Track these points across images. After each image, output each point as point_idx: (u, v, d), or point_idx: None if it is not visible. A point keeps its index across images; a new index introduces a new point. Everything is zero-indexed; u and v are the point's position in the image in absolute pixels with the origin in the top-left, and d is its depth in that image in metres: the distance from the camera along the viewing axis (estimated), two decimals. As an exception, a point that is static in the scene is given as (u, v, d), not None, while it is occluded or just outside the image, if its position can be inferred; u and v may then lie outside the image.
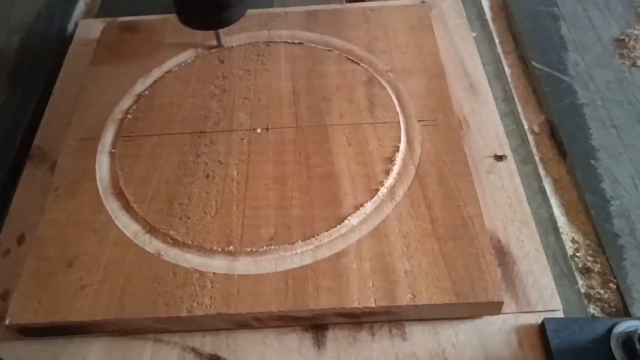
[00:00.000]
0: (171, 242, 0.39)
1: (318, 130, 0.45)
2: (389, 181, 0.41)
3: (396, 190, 0.41)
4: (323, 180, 0.42)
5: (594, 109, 0.50)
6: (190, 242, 0.38)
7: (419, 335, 0.36)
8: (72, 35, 0.59)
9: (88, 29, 0.58)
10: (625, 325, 0.35)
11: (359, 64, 0.50)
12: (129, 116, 0.47)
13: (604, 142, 0.48)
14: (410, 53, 0.50)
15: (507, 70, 0.55)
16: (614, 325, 0.35)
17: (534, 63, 0.54)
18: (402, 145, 0.43)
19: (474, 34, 0.57)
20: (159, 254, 0.38)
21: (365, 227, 0.39)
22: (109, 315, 0.35)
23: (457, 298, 0.35)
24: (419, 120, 0.45)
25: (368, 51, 0.51)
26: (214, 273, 0.37)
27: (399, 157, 0.43)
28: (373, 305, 0.35)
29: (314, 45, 0.51)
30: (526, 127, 0.50)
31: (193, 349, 0.36)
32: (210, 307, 0.35)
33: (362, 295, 0.36)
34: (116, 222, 0.40)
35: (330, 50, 0.51)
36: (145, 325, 0.36)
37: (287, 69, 0.50)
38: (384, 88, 0.48)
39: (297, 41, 0.52)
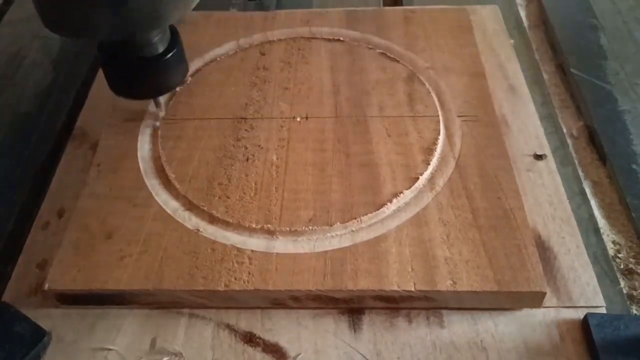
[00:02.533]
0: (210, 219, 0.39)
1: (358, 121, 0.45)
2: (429, 171, 0.41)
3: (436, 181, 0.41)
4: (362, 168, 0.42)
5: (635, 116, 0.50)
6: (229, 220, 0.38)
7: (457, 325, 0.36)
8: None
9: (133, 21, 0.59)
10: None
11: (398, 61, 0.50)
12: (170, 101, 0.47)
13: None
14: (451, 52, 0.51)
15: (545, 77, 0.55)
16: (662, 323, 0.34)
17: (572, 70, 0.54)
18: (442, 138, 0.43)
19: (512, 41, 0.57)
20: (198, 230, 0.38)
21: (405, 215, 0.39)
22: (147, 286, 0.35)
23: (499, 286, 0.35)
24: (459, 116, 0.45)
25: (408, 49, 0.51)
26: (252, 250, 0.37)
27: (439, 149, 0.43)
28: (412, 289, 0.35)
29: (354, 42, 0.52)
30: (565, 131, 0.50)
31: (228, 326, 0.36)
32: (248, 282, 0.35)
33: (401, 279, 0.35)
34: (156, 198, 0.40)
35: (370, 48, 0.51)
36: (182, 299, 0.36)
37: (327, 63, 0.50)
38: (424, 84, 0.48)
39: (338, 37, 0.53)
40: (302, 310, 0.36)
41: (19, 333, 0.34)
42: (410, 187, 0.40)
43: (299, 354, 0.34)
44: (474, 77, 0.48)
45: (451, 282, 0.35)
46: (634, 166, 0.46)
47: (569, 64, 0.55)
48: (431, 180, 0.41)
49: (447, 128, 0.44)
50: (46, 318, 0.36)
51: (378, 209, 0.39)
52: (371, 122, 0.45)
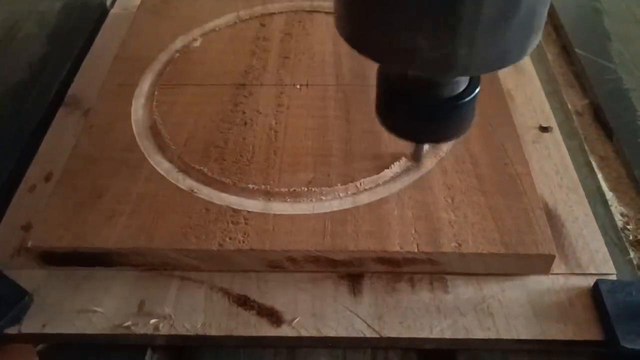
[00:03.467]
0: (205, 180, 0.37)
1: (360, 89, 0.44)
2: (433, 138, 0.40)
3: (441, 147, 0.39)
4: (364, 134, 0.40)
5: (640, 93, 0.49)
6: (225, 181, 0.37)
7: (462, 289, 0.34)
8: (113, 4, 0.60)
9: (129, -4, 0.58)
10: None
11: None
12: (167, 68, 0.46)
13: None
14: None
15: (549, 57, 0.54)
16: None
17: (577, 50, 0.54)
18: (446, 106, 0.42)
19: (515, 22, 0.56)
20: (192, 191, 0.37)
21: (407, 178, 0.37)
22: (136, 245, 0.34)
23: (506, 248, 0.33)
24: (463, 85, 0.44)
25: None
26: (248, 211, 0.35)
27: (443, 117, 0.41)
28: (415, 250, 0.33)
29: (356, 15, 0.51)
30: (570, 108, 0.49)
31: (221, 289, 0.34)
32: (243, 242, 0.34)
33: (404, 240, 0.34)
34: (149, 160, 0.39)
35: (372, 20, 0.50)
36: (173, 260, 0.34)
37: (329, 35, 0.49)
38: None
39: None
40: (300, 273, 0.35)
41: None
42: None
43: (296, 318, 0.33)
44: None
45: (456, 244, 0.33)
46: (639, 140, 0.45)
47: (573, 44, 0.54)
48: (434, 146, 0.39)
49: (451, 97, 0.43)
50: (29, 279, 0.34)
51: (380, 172, 0.37)
52: (373, 90, 0.44)
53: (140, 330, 0.32)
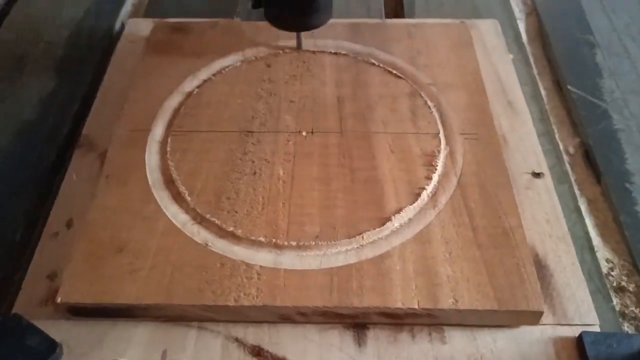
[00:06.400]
0: (219, 233, 0.40)
1: (362, 136, 0.46)
2: (431, 188, 0.42)
3: (438, 199, 0.42)
4: (366, 184, 0.43)
5: (629, 134, 0.51)
6: (238, 234, 0.39)
7: (458, 340, 0.37)
8: (119, 34, 0.61)
9: (137, 27, 0.60)
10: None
11: (401, 77, 0.51)
12: (179, 112, 0.48)
13: (632, 167, 0.49)
14: (452, 68, 0.52)
15: (543, 92, 0.57)
16: (652, 342, 0.35)
17: (569, 87, 0.56)
18: (444, 155, 0.45)
19: (512, 56, 0.58)
20: (207, 244, 0.39)
21: (408, 232, 0.40)
22: (157, 300, 0.36)
23: (499, 305, 0.36)
24: (460, 133, 0.46)
25: (411, 65, 0.52)
26: (260, 266, 0.38)
27: (441, 167, 0.44)
28: (416, 306, 0.36)
29: (358, 56, 0.53)
30: (561, 148, 0.51)
31: (236, 339, 0.37)
32: (256, 298, 0.36)
33: (405, 296, 0.36)
34: (165, 211, 0.41)
35: (373, 63, 0.52)
36: (191, 313, 0.37)
37: (332, 76, 0.51)
38: (426, 101, 0.49)
39: (342, 52, 0.53)
40: (309, 324, 0.37)
41: (31, 346, 0.35)
42: (413, 202, 0.41)
43: (305, 367, 0.36)
44: (474, 94, 0.49)
45: (453, 300, 0.36)
46: (627, 185, 0.47)
47: (565, 80, 0.57)
48: (434, 197, 0.42)
49: (449, 145, 0.45)
50: (57, 329, 0.37)
51: (382, 225, 0.40)
52: (374, 137, 0.46)
53: (163, 380, 0.35)
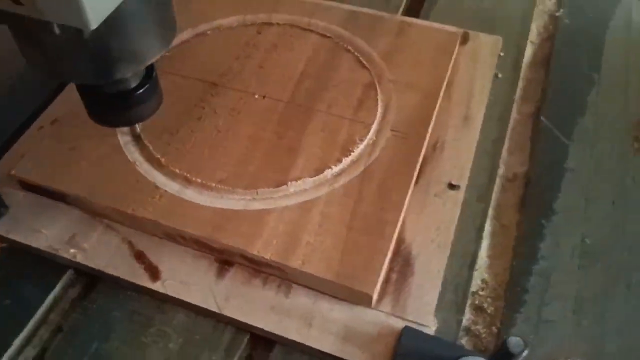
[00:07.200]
0: (148, 157, 0.48)
1: (304, 111, 0.51)
2: (337, 169, 0.47)
3: (338, 180, 0.46)
4: (284, 151, 0.48)
5: (576, 176, 0.51)
6: (162, 162, 0.47)
7: (300, 299, 0.42)
8: None
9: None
10: None
11: (367, 68, 0.55)
12: (163, 55, 0.56)
13: (567, 210, 0.48)
14: (420, 70, 0.54)
15: (515, 116, 0.57)
16: (460, 357, 0.38)
17: (542, 117, 0.56)
18: (364, 145, 0.48)
19: (500, 75, 0.59)
20: (135, 163, 0.47)
21: (296, 199, 0.45)
22: (83, 194, 0.45)
23: (337, 278, 0.40)
24: (391, 130, 0.49)
25: (385, 59, 0.55)
26: (165, 190, 0.45)
27: (356, 154, 0.48)
28: (268, 257, 0.41)
29: (340, 41, 0.57)
30: (502, 171, 0.52)
31: (129, 242, 0.45)
32: (150, 213, 0.44)
33: (263, 247, 0.42)
34: (118, 132, 0.49)
35: (349, 51, 0.56)
36: (101, 211, 0.45)
37: (307, 54, 0.56)
38: (378, 94, 0.52)
39: (328, 34, 0.58)
40: (188, 249, 0.44)
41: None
42: (314, 176, 0.46)
43: (169, 279, 0.43)
44: (427, 97, 0.52)
45: (300, 263, 0.41)
46: (543, 221, 0.48)
47: (542, 110, 0.56)
48: (335, 177, 0.46)
49: (375, 137, 0.49)
50: (10, 196, 0.48)
51: (278, 186, 0.45)
52: (315, 115, 0.51)
53: (64, 254, 0.44)
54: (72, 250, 0.44)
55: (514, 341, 0.30)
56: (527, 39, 0.64)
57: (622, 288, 0.44)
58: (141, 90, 0.38)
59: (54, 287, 0.44)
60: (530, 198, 0.50)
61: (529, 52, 0.63)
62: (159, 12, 0.35)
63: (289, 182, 0.46)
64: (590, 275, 0.45)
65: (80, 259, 0.44)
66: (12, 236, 0.45)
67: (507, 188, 0.51)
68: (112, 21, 0.30)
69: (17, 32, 0.33)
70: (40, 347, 0.42)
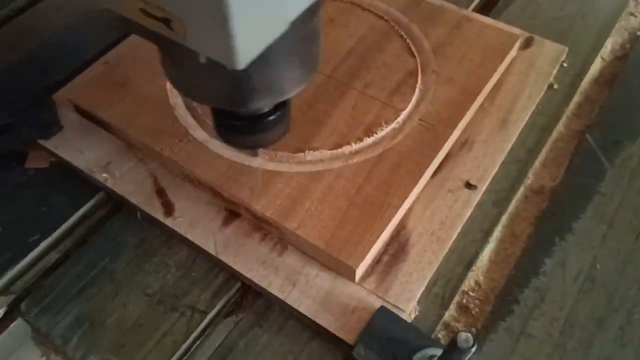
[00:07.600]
0: (185, 104, 0.51)
1: (341, 86, 0.52)
2: (356, 147, 0.48)
3: (354, 157, 0.47)
4: (311, 123, 0.50)
5: (605, 202, 0.48)
6: (197, 111, 0.50)
7: (292, 259, 0.44)
8: None
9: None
10: (431, 351, 0.38)
11: (415, 56, 0.55)
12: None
13: (585, 233, 0.47)
14: (466, 67, 0.53)
15: (561, 130, 0.55)
16: (425, 347, 0.38)
17: (587, 136, 0.53)
18: (389, 129, 0.49)
19: (556, 86, 0.57)
20: (174, 107, 0.51)
21: (310, 168, 0.47)
22: (120, 125, 0.50)
23: (325, 246, 0.42)
24: (419, 119, 0.50)
25: (435, 51, 0.55)
26: (193, 137, 0.49)
27: (380, 136, 0.48)
28: (267, 214, 0.44)
29: (395, 24, 0.57)
30: (529, 182, 0.51)
31: (155, 178, 0.49)
32: (174, 154, 0.47)
33: (266, 205, 0.44)
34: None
35: (401, 36, 0.56)
36: (136, 143, 0.50)
37: (361, 33, 0.57)
38: (417, 83, 0.52)
39: (385, 17, 0.58)
40: (203, 193, 0.48)
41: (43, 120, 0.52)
42: (332, 150, 0.47)
43: (180, 217, 0.46)
44: (464, 94, 0.51)
45: (296, 225, 0.43)
46: (557, 239, 0.46)
47: (591, 129, 0.54)
48: (352, 154, 0.47)
49: (402, 123, 0.49)
50: (66, 116, 0.53)
51: (296, 153, 0.47)
52: (350, 92, 0.52)
53: (97, 177, 0.49)
54: (104, 175, 0.49)
55: (463, 337, 0.31)
56: (597, 54, 0.60)
57: (619, 322, 0.42)
58: (270, 118, 0.37)
59: (84, 204, 0.50)
60: (550, 212, 0.48)
61: (596, 67, 0.60)
62: (305, 49, 0.34)
63: (307, 151, 0.47)
64: (589, 301, 0.43)
65: (109, 183, 0.49)
66: (59, 152, 0.51)
67: (530, 199, 0.50)
68: (258, 57, 0.28)
69: (164, 50, 0.33)
70: (62, 253, 0.48)
